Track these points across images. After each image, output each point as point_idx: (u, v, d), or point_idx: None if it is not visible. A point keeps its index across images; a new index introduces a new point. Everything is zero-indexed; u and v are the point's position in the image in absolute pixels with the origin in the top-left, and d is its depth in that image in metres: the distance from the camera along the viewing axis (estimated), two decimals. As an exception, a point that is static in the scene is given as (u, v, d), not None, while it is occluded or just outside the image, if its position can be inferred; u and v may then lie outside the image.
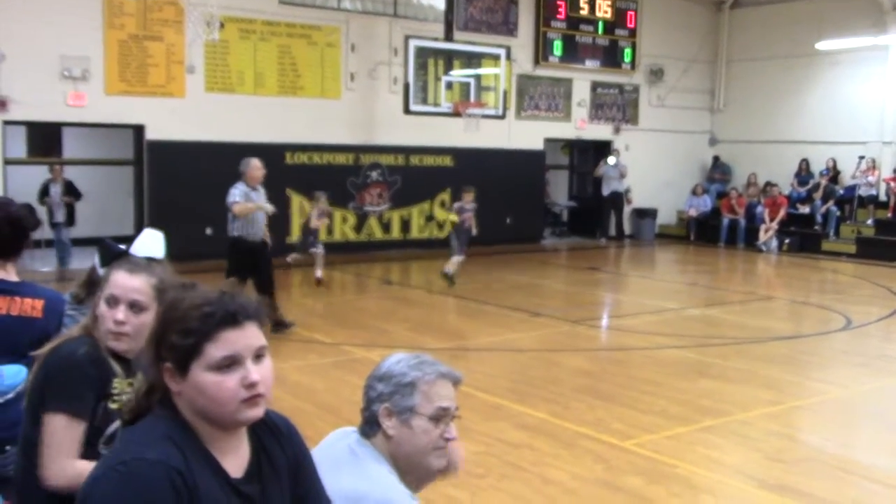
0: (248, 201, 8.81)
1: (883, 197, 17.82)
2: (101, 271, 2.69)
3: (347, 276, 13.95)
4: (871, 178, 17.91)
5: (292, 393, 6.88)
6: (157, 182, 14.05)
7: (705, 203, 19.83)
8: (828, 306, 11.86)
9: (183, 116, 14.06)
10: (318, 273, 11.76)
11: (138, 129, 14.13)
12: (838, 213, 18.00)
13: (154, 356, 1.77)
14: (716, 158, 21.04)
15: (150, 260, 2.65)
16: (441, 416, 2.26)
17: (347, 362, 8.10)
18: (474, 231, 12.41)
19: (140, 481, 1.63)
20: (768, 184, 19.00)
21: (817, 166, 18.98)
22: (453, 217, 12.60)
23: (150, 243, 2.73)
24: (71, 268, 12.83)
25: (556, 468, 5.40)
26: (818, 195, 18.29)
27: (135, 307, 2.53)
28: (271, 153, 14.88)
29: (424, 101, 16.47)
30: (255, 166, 9.00)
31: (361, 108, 16.09)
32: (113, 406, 2.50)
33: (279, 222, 15.01)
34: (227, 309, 1.73)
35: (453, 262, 12.37)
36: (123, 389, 2.52)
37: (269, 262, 9.15)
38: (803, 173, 19.14)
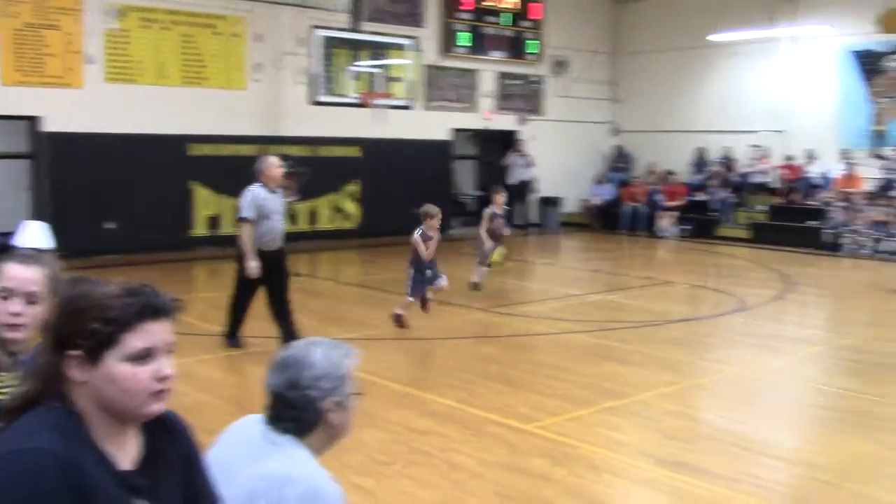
0: (263, 207, 7.89)
1: (775, 184, 18.56)
2: None
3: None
4: (763, 166, 18.64)
5: (198, 387, 6.82)
6: (55, 175, 13.64)
7: (608, 191, 20.31)
8: (724, 290, 12.33)
9: (82, 108, 13.68)
10: (429, 294, 9.57)
11: (34, 121, 13.68)
12: (733, 200, 18.68)
13: (56, 345, 1.75)
14: (618, 148, 21.57)
15: (38, 251, 2.63)
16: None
17: (255, 354, 8.06)
18: (506, 232, 12.08)
19: (27, 470, 1.61)
20: (667, 172, 19.59)
21: (714, 155, 19.66)
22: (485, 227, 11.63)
23: (36, 235, 2.70)
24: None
25: (464, 454, 5.52)
26: (714, 183, 18.94)
27: (30, 298, 2.51)
28: (174, 145, 14.66)
29: (332, 92, 16.41)
30: (273, 164, 7.97)
31: (268, 98, 15.92)
32: (1, 398, 2.49)
33: (179, 216, 14.86)
34: (149, 301, 1.76)
35: (482, 272, 11.69)
36: (8, 382, 2.51)
37: (285, 273, 8.30)
38: (700, 161, 19.79)
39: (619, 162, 21.31)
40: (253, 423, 2.40)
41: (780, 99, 18.71)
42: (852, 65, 17.88)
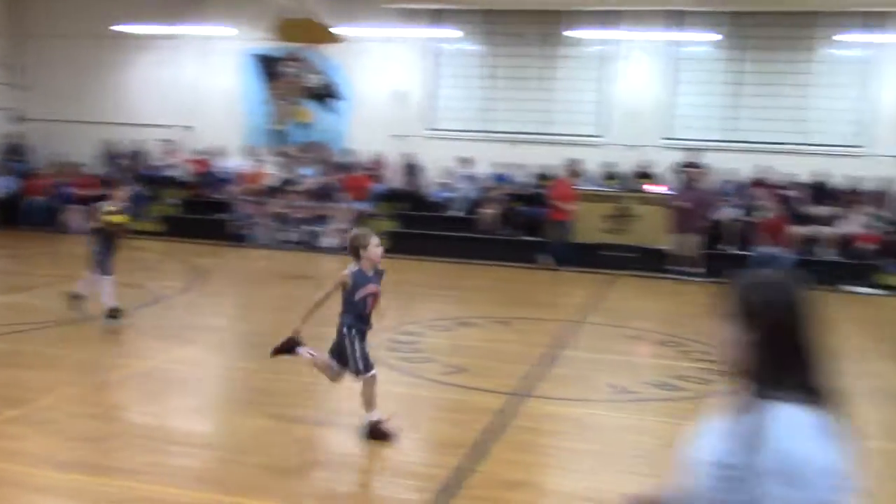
0: None
1: (186, 178, 18.94)
2: None
3: None
4: (174, 161, 18.93)
5: None
6: None
7: (9, 184, 18.74)
8: (137, 284, 12.21)
9: None
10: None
11: None
12: (145, 194, 18.61)
13: None
14: (19, 137, 20.01)
15: None
16: None
17: None
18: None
19: None
20: (76, 164, 18.80)
21: (126, 147, 19.37)
22: (116, 219, 9.31)
23: None
24: None
25: None
26: (128, 175, 18.66)
27: None
28: None
29: None
30: None
31: None
32: None
33: None
34: None
35: (101, 285, 9.28)
36: None
37: None
38: (110, 154, 19.35)
39: (16, 152, 19.76)
40: None
41: (189, 95, 19.14)
42: (254, 67, 19.09)
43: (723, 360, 2.02)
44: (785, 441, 1.83)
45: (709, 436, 1.98)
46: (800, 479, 1.80)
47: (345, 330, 5.96)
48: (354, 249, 5.96)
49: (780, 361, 1.94)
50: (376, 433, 5.91)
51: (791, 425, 1.86)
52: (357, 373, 5.95)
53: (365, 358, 5.94)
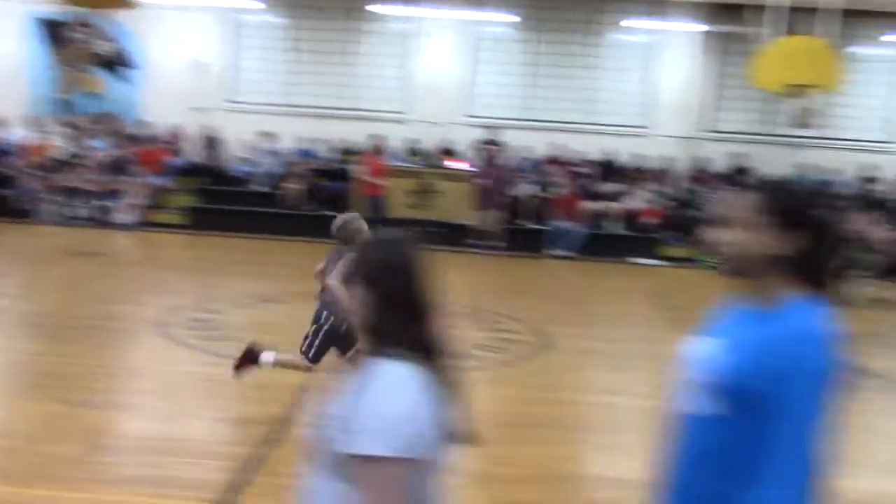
0: None
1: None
2: None
3: None
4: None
5: None
6: None
7: None
8: None
9: None
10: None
11: None
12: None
13: None
14: None
15: None
16: None
17: None
18: None
19: None
20: None
21: None
22: None
23: None
24: None
25: None
26: None
27: None
28: None
29: None
30: None
31: None
32: None
33: None
34: None
35: None
36: None
37: None
38: None
39: None
40: None
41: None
42: (39, 32, 17.84)
43: (355, 319, 2.13)
44: (381, 394, 1.97)
45: (336, 389, 2.11)
46: (389, 431, 1.93)
47: (324, 312, 5.88)
48: (349, 234, 5.71)
49: (394, 319, 2.08)
50: (249, 354, 6.08)
51: (391, 380, 1.99)
52: (304, 354, 5.94)
53: (321, 352, 5.92)
